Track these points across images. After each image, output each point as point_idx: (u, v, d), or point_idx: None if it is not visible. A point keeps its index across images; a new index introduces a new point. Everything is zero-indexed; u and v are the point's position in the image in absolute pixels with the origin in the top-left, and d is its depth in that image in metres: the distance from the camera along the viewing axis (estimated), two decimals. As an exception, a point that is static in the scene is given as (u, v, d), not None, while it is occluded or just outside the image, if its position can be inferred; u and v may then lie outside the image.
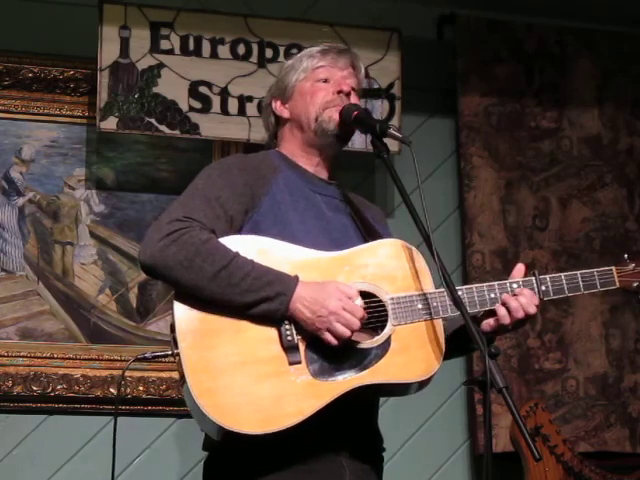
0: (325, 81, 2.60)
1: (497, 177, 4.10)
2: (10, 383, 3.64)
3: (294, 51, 2.71)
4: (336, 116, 2.56)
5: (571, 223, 4.16)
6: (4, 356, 3.66)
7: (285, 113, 2.62)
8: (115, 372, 3.70)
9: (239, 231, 2.41)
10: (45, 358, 3.70)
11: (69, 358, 3.72)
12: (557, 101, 4.21)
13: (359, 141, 3.79)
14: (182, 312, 2.31)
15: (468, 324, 2.27)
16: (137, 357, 2.56)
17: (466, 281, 4.00)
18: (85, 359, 3.73)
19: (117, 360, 3.72)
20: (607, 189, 4.21)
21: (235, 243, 2.35)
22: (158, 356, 2.48)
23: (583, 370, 4.06)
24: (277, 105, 2.64)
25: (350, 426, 2.40)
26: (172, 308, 2.33)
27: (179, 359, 2.30)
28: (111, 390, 3.70)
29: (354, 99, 2.62)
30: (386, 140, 2.50)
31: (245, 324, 2.31)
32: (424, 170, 3.87)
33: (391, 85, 3.96)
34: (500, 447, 3.81)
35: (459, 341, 2.49)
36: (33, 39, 3.79)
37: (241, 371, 2.28)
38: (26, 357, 3.68)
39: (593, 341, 4.08)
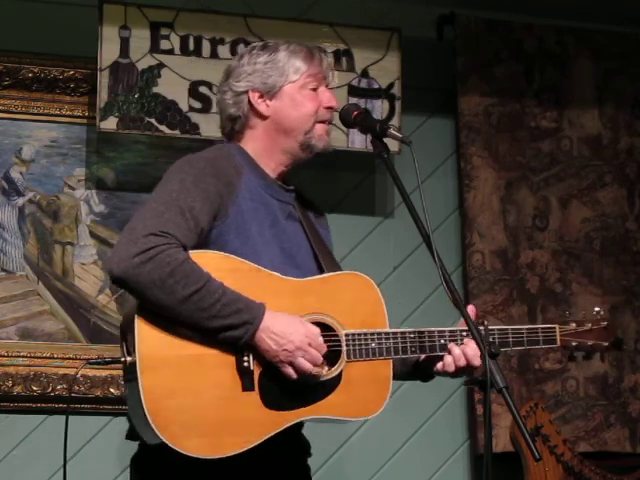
0: (314, 90, 2.57)
1: (497, 177, 4.10)
2: (10, 383, 3.64)
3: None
4: (326, 137, 2.56)
5: (571, 223, 4.16)
6: (4, 356, 3.66)
7: (266, 110, 2.55)
8: (115, 372, 3.70)
9: (205, 239, 2.39)
10: (45, 358, 3.70)
11: (69, 358, 3.72)
12: (557, 101, 4.21)
13: (359, 141, 3.80)
14: (144, 328, 2.30)
15: (469, 324, 2.28)
16: (90, 362, 2.58)
17: (466, 281, 4.01)
18: (85, 359, 3.72)
19: (117, 360, 3.71)
20: (607, 189, 4.21)
21: (207, 263, 2.32)
22: (110, 362, 2.49)
23: (583, 370, 4.05)
24: (255, 97, 2.55)
25: (282, 439, 2.40)
26: (131, 319, 2.31)
27: (131, 368, 2.30)
28: (111, 390, 3.70)
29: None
30: (386, 140, 2.50)
31: (205, 345, 2.32)
32: (424, 170, 3.87)
33: (391, 85, 3.96)
34: (500, 447, 3.81)
35: (412, 374, 2.61)
36: (33, 39, 3.79)
37: (196, 392, 2.29)
38: (26, 357, 3.68)
39: (593, 341, 4.08)
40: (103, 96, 3.68)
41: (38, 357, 3.69)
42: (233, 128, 2.60)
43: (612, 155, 4.24)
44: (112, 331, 3.76)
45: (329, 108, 2.57)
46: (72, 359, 3.72)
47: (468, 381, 2.52)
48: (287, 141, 2.55)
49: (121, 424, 3.68)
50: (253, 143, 2.57)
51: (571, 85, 4.23)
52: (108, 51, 3.69)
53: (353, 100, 3.82)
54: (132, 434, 2.44)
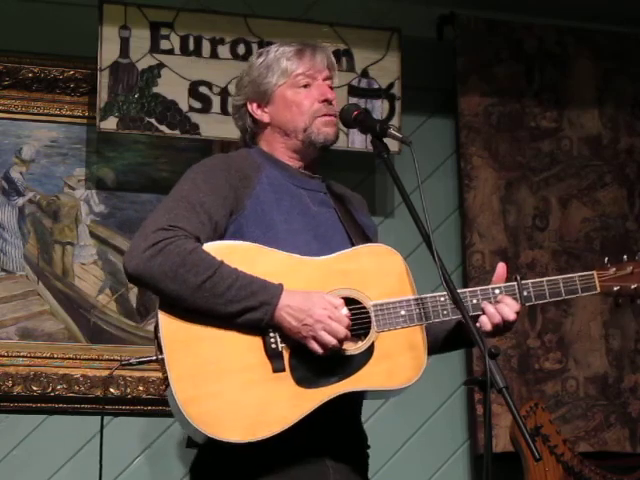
0: (306, 86, 2.57)
1: (497, 177, 4.10)
2: (10, 383, 3.64)
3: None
4: (325, 129, 2.55)
5: (571, 223, 4.16)
6: (4, 356, 3.66)
7: (265, 118, 2.59)
8: (115, 372, 3.70)
9: (223, 234, 2.41)
10: (45, 358, 3.70)
11: (69, 358, 3.72)
12: (557, 101, 4.21)
13: (359, 141, 3.80)
14: (167, 321, 2.31)
15: (468, 324, 2.28)
16: (121, 363, 2.58)
17: (466, 281, 4.01)
18: (85, 359, 3.73)
19: (117, 360, 3.72)
20: (607, 189, 4.21)
21: (220, 250, 2.35)
22: (143, 362, 2.49)
23: (583, 370, 4.06)
24: (254, 108, 2.60)
25: (333, 429, 2.41)
26: (156, 314, 2.33)
27: (163, 365, 2.30)
28: (111, 390, 3.70)
29: (335, 103, 2.61)
30: (386, 140, 2.50)
31: (230, 332, 2.32)
32: (424, 170, 3.87)
33: (391, 85, 3.96)
34: (500, 447, 3.81)
35: (456, 338, 2.54)
36: (33, 39, 3.79)
37: (225, 379, 2.29)
38: (26, 357, 3.68)
39: (593, 341, 4.08)
40: (103, 96, 3.68)
41: (38, 357, 3.69)
42: (245, 139, 2.65)
43: (612, 155, 4.24)
44: (112, 331, 3.77)
45: (325, 101, 2.57)
46: (72, 359, 3.72)
47: (468, 381, 2.51)
48: (291, 142, 2.57)
49: (121, 424, 3.71)
50: (266, 146, 2.61)
51: (571, 85, 4.23)
52: (108, 51, 3.69)
53: (353, 100, 3.82)
54: (190, 440, 2.45)
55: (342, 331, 2.32)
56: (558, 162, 4.18)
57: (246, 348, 2.32)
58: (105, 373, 3.71)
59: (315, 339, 2.31)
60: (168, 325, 2.31)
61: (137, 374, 3.73)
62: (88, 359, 3.73)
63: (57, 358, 3.71)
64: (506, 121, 4.15)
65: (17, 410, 3.67)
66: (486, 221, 4.07)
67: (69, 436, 3.68)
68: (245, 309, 2.30)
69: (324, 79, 2.60)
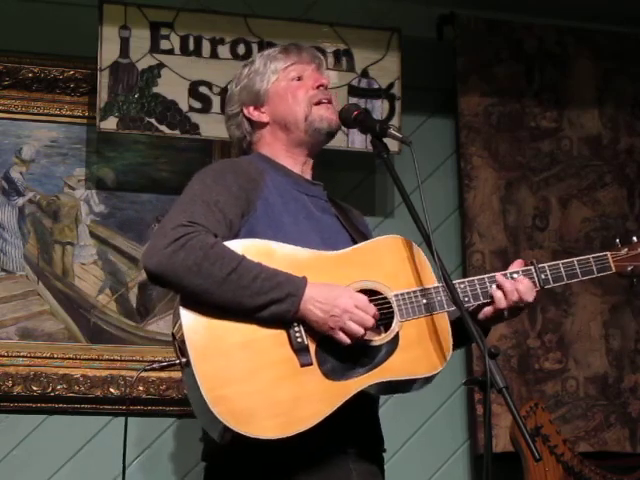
0: (299, 79, 2.61)
1: (497, 177, 4.10)
2: (10, 383, 3.64)
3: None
4: (327, 114, 2.58)
5: (571, 223, 4.16)
6: (4, 356, 3.66)
7: (264, 118, 2.62)
8: (115, 372, 3.70)
9: (236, 235, 2.42)
10: (45, 358, 3.69)
11: (69, 358, 3.71)
12: (557, 101, 4.21)
13: (359, 141, 3.80)
14: (190, 320, 2.30)
15: (468, 324, 2.28)
16: (145, 368, 2.56)
17: (466, 281, 4.01)
18: (85, 359, 3.72)
19: (117, 360, 3.72)
20: (607, 189, 4.21)
21: (239, 247, 2.35)
22: (166, 366, 2.47)
23: (583, 370, 4.05)
24: (250, 111, 2.64)
25: (356, 428, 2.41)
26: (177, 315, 2.31)
27: (184, 369, 2.29)
28: (111, 390, 3.70)
29: (335, 100, 2.65)
30: (386, 140, 2.50)
31: (254, 328, 2.31)
32: (424, 170, 3.88)
33: (391, 85, 3.96)
34: (500, 447, 3.80)
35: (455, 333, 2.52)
36: (33, 39, 3.79)
37: (253, 376, 2.28)
38: (26, 357, 3.68)
39: (593, 341, 4.08)
40: (103, 96, 3.68)
41: (38, 357, 3.69)
42: (242, 147, 2.68)
43: (612, 155, 4.24)
44: (112, 331, 3.76)
45: (319, 87, 2.60)
46: (72, 359, 3.71)
47: (468, 381, 2.50)
48: (294, 134, 2.60)
49: (121, 424, 3.70)
50: (267, 148, 2.63)
51: (571, 85, 4.23)
52: (108, 51, 3.69)
53: (353, 100, 3.82)
54: (205, 452, 2.45)
55: (369, 320, 2.32)
56: (558, 162, 4.18)
57: (271, 344, 2.31)
58: (105, 373, 3.71)
59: (343, 330, 2.31)
60: (191, 324, 2.29)
61: (136, 374, 3.72)
62: (88, 359, 3.72)
63: (57, 358, 3.70)
64: (506, 121, 4.15)
65: (17, 410, 3.66)
66: (486, 221, 4.07)
67: (69, 436, 3.68)
68: (272, 301, 2.29)
69: (314, 70, 2.64)
